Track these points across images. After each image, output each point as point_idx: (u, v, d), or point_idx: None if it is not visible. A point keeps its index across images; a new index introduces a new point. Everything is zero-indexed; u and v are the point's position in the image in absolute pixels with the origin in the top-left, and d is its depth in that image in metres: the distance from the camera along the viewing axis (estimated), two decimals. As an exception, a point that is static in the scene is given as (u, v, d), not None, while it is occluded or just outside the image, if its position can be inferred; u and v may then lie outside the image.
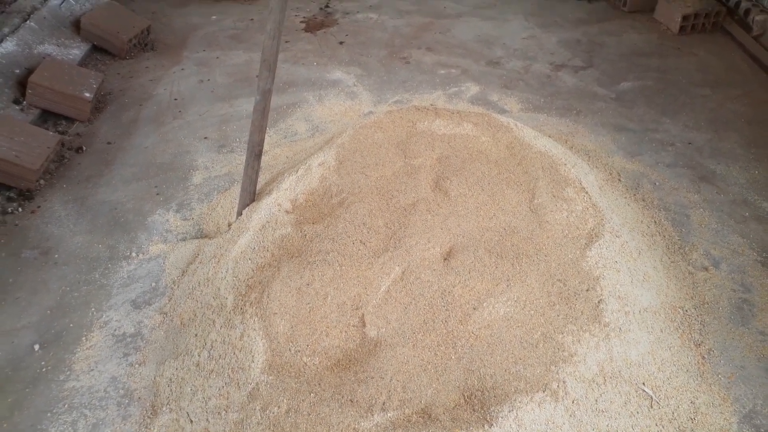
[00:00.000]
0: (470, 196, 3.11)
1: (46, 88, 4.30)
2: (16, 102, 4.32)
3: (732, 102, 4.65)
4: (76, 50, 5.07)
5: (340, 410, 2.21)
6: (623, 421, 2.39)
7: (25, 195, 3.74)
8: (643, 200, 3.70)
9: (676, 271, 3.20)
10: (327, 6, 6.37)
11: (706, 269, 3.25)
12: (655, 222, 3.53)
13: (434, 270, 2.71)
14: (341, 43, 5.64)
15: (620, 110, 4.61)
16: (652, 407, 2.49)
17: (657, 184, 3.85)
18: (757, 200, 3.69)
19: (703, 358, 2.81)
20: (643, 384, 2.54)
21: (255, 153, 3.19)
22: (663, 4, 5.80)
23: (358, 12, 6.25)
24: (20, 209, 3.64)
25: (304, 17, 6.13)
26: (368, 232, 2.91)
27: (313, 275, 2.68)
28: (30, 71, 4.46)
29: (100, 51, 5.29)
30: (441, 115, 3.70)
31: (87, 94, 4.44)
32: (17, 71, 4.51)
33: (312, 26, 5.96)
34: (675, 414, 2.50)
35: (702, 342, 2.87)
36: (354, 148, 3.46)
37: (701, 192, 3.78)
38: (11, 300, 3.09)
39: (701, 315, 3.00)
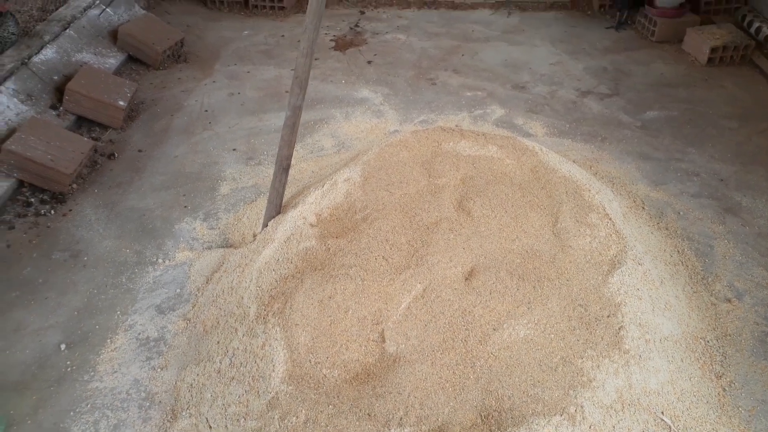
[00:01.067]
0: (493, 217, 3.14)
1: (83, 95, 4.43)
2: (53, 107, 4.46)
3: (759, 136, 4.63)
4: (113, 59, 5.22)
5: (357, 423, 2.23)
6: (641, 450, 2.38)
7: (58, 198, 3.84)
8: (667, 229, 3.69)
9: (698, 302, 3.18)
10: (357, 25, 6.48)
11: (729, 301, 3.23)
12: (678, 251, 3.51)
13: (455, 289, 2.73)
14: (369, 62, 5.73)
15: (646, 139, 4.62)
16: (670, 437, 2.47)
17: (681, 213, 3.84)
18: (783, 234, 3.67)
19: (724, 390, 2.78)
20: (662, 413, 2.53)
21: (283, 167, 3.25)
22: (691, 35, 5.82)
23: (387, 32, 6.35)
24: (53, 212, 3.75)
25: (334, 36, 6.24)
26: (391, 249, 2.95)
27: (335, 289, 2.72)
28: (68, 78, 4.60)
29: (135, 61, 5.43)
30: (466, 136, 3.74)
31: (121, 103, 4.57)
32: (56, 78, 4.66)
33: (341, 45, 6.07)
34: (694, 445, 2.48)
35: (723, 374, 2.85)
36: (379, 165, 3.51)
37: (726, 223, 3.77)
38: (41, 299, 3.17)
39: (723, 346, 2.98)
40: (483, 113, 4.94)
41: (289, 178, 3.92)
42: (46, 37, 4.90)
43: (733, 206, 3.91)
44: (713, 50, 5.54)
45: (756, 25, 5.67)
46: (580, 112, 4.97)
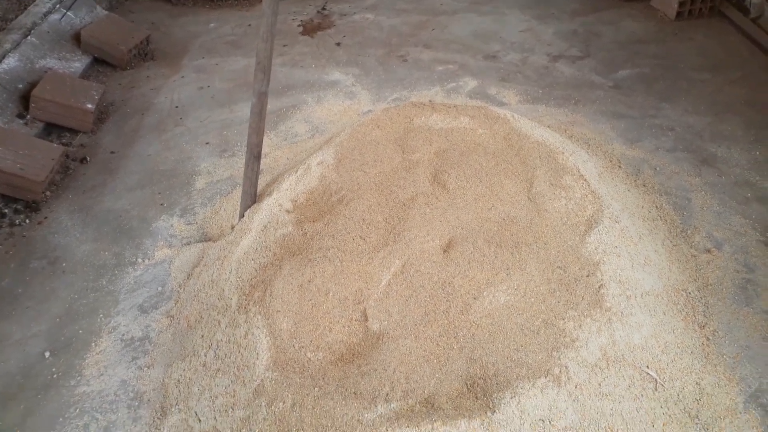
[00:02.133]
0: (468, 188, 3.13)
1: (49, 101, 4.37)
2: (20, 116, 4.39)
3: (731, 85, 4.64)
4: (78, 63, 5.14)
5: (344, 403, 2.23)
6: (627, 404, 2.40)
7: (32, 206, 3.80)
8: (644, 186, 3.70)
9: (678, 254, 3.20)
10: (324, 8, 6.41)
11: (709, 251, 3.25)
12: (657, 207, 3.53)
13: (434, 262, 2.73)
14: (338, 44, 5.67)
15: (619, 98, 4.61)
16: (656, 390, 2.50)
17: (657, 169, 3.84)
18: (759, 181, 3.68)
19: (708, 339, 2.80)
20: (647, 367, 2.55)
21: (254, 155, 3.22)
22: (659, -9, 5.79)
23: (354, 13, 6.28)
24: (27, 221, 3.70)
25: (301, 20, 6.17)
26: (368, 228, 2.94)
27: (314, 272, 2.71)
28: (33, 85, 4.52)
29: (101, 63, 5.35)
30: (438, 109, 3.72)
31: (89, 106, 4.50)
32: (20, 86, 4.58)
33: (309, 29, 6.00)
34: (680, 395, 2.51)
35: (706, 323, 2.87)
36: (352, 146, 3.49)
37: (702, 175, 3.78)
38: (21, 309, 3.14)
39: (705, 297, 3.00)
40: (456, 86, 4.91)
41: (265, 166, 3.91)
42: (7, 46, 4.81)
43: (709, 157, 3.92)
44: (681, 4, 5.53)
45: (722, -25, 5.65)
46: (552, 77, 4.95)
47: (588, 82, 4.85)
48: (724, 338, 2.81)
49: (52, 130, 4.48)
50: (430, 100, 4.49)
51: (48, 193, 3.91)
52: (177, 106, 4.80)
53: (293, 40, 5.78)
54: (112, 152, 4.32)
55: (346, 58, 5.42)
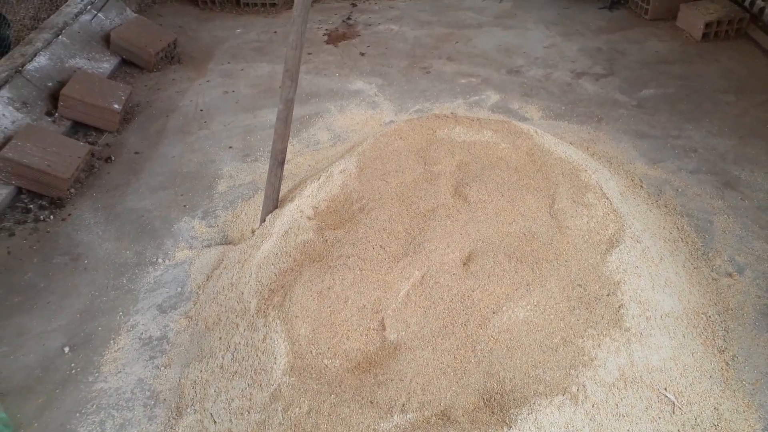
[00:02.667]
0: (490, 201, 3.13)
1: (77, 100, 4.44)
2: (49, 114, 4.47)
3: (756, 108, 4.60)
4: (106, 64, 5.23)
5: (360, 411, 2.24)
6: (644, 426, 2.38)
7: (57, 203, 3.86)
8: (666, 206, 3.68)
9: (699, 277, 3.18)
10: (349, 18, 6.46)
11: (730, 275, 3.22)
12: (678, 228, 3.50)
13: (454, 274, 2.73)
14: (362, 54, 5.71)
15: (642, 117, 4.59)
16: (674, 413, 2.47)
17: (680, 190, 3.82)
18: (783, 206, 3.65)
19: (727, 364, 2.77)
20: (665, 389, 2.53)
21: (278, 161, 3.25)
22: (685, 12, 5.77)
23: (379, 23, 6.33)
24: (52, 217, 3.76)
25: (326, 29, 6.23)
26: (388, 237, 2.95)
27: (333, 279, 2.72)
28: (62, 84, 4.61)
29: (128, 64, 5.44)
30: (461, 122, 3.73)
31: (116, 106, 4.57)
32: (50, 84, 4.67)
33: (334, 38, 6.05)
34: (698, 420, 2.48)
35: (726, 348, 2.84)
36: (375, 155, 3.51)
37: (725, 198, 3.75)
38: (42, 304, 3.19)
39: (725, 321, 2.97)
40: (478, 99, 4.92)
41: (286, 172, 3.93)
42: (39, 45, 4.91)
43: (732, 180, 3.89)
44: (707, 25, 5.50)
45: (750, -2, 5.62)
46: (575, 94, 4.95)
47: (611, 100, 4.84)
48: (743, 364, 2.78)
49: (79, 128, 4.55)
50: (452, 113, 4.50)
51: (73, 190, 3.97)
52: (202, 110, 4.86)
53: (318, 49, 5.83)
54: (136, 153, 4.38)
55: (370, 68, 5.45)
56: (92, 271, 3.40)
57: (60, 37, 5.13)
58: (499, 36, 5.98)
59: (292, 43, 3.04)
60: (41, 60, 4.79)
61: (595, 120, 4.58)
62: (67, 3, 5.54)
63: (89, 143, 4.43)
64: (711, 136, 4.32)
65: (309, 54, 5.71)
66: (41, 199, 3.86)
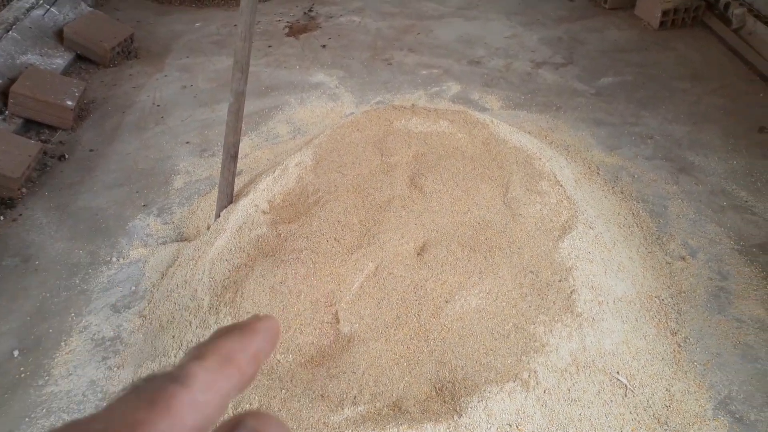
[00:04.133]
0: (445, 192, 3.12)
1: (28, 97, 4.33)
2: (-1, 112, 4.35)
3: (711, 94, 4.68)
4: (60, 59, 5.10)
5: (310, 405, 2.22)
6: (597, 410, 2.40)
7: (7, 203, 3.76)
8: (622, 192, 3.72)
9: (652, 261, 3.22)
10: (310, 10, 6.40)
11: (683, 258, 3.27)
12: (633, 213, 3.54)
13: (407, 265, 2.72)
14: (324, 46, 5.67)
15: (600, 105, 4.64)
16: (626, 395, 2.50)
17: (636, 176, 3.87)
18: (735, 190, 3.71)
19: (679, 346, 2.82)
20: (618, 372, 2.55)
21: (231, 155, 3.21)
22: (643, 0, 5.84)
23: (341, 15, 6.28)
24: (2, 217, 3.66)
25: (287, 22, 6.16)
26: (342, 230, 2.93)
27: (286, 273, 2.70)
28: (12, 81, 4.48)
29: (83, 60, 5.31)
30: (418, 113, 3.72)
31: (69, 103, 4.47)
32: (0, 81, 4.54)
33: (295, 30, 5.99)
34: (650, 401, 2.51)
35: (678, 330, 2.88)
36: (331, 147, 3.48)
37: (680, 183, 3.80)
38: (-9, 307, 3.11)
39: (678, 304, 3.01)
40: (439, 90, 4.92)
41: (245, 166, 3.89)
42: (-13, 41, 4.77)
43: (687, 166, 3.95)
44: (665, 13, 5.57)
45: (705, -15, 5.69)
46: (535, 83, 4.97)
47: (570, 89, 4.87)
48: (695, 345, 2.82)
49: (30, 126, 4.44)
50: (412, 104, 4.49)
51: (24, 190, 3.87)
52: (158, 105, 4.77)
53: (279, 41, 5.77)
54: (91, 150, 4.29)
55: (331, 60, 5.41)
56: (43, 272, 3.32)
57: (10, 32, 4.98)
58: (461, 27, 5.98)
59: (241, 34, 2.99)
60: (-10, 57, 4.66)
61: (554, 109, 4.61)
62: (18, -2, 5.39)
63: (42, 141, 4.32)
64: (667, 123, 4.38)
65: (269, 47, 5.64)
66: (-10, 199, 3.76)
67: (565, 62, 5.26)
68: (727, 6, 5.41)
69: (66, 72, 5.06)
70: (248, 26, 2.96)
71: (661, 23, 5.62)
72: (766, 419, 2.51)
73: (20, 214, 3.71)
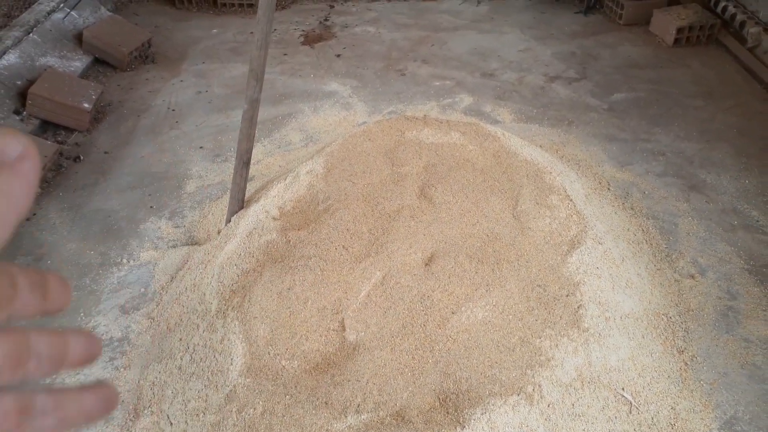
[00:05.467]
0: (454, 203, 3.14)
1: (46, 98, 4.40)
2: (17, 112, 4.42)
3: (724, 113, 4.66)
4: (78, 62, 5.18)
5: (313, 412, 2.23)
6: (601, 426, 2.39)
7: (22, 203, 3.80)
8: (632, 209, 3.71)
9: (661, 279, 3.20)
10: (326, 19, 6.46)
11: (693, 277, 3.25)
12: (643, 230, 3.53)
13: (414, 275, 2.73)
14: (338, 55, 5.72)
15: (612, 121, 4.63)
16: (631, 413, 2.49)
17: (646, 193, 3.86)
18: (746, 209, 3.69)
19: (686, 364, 2.80)
20: (623, 389, 2.54)
21: (243, 161, 3.24)
22: (658, 17, 5.84)
23: (356, 25, 6.33)
24: (16, 216, 3.71)
25: (303, 30, 6.22)
26: (351, 238, 2.94)
27: (294, 280, 2.71)
28: (31, 83, 4.56)
29: (101, 63, 5.39)
30: (429, 124, 3.74)
31: (86, 105, 4.53)
32: (19, 83, 4.62)
33: (311, 39, 6.05)
34: (654, 420, 2.50)
35: (685, 349, 2.87)
36: (342, 156, 3.51)
37: (690, 201, 3.79)
38: (2, 304, 3.14)
39: (686, 322, 3.00)
40: (452, 102, 4.94)
41: (257, 173, 3.93)
42: (9, 42, 4.85)
43: (698, 184, 3.93)
44: (679, 30, 5.57)
45: (722, 4, 5.69)
46: (547, 97, 4.98)
47: (583, 104, 4.88)
48: (702, 364, 2.80)
49: (47, 127, 4.51)
50: (424, 115, 4.52)
51: (39, 190, 3.92)
52: (174, 110, 4.83)
53: (294, 50, 5.82)
54: (106, 152, 4.34)
55: (345, 69, 5.46)
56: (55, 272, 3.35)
57: (31, 35, 5.07)
58: (475, 39, 6.01)
59: (257, 42, 3.03)
60: (10, 58, 4.74)
61: (566, 123, 4.62)
62: (40, 1, 5.49)
63: (58, 142, 4.38)
64: (679, 140, 4.37)
65: (285, 55, 5.70)
66: (5, 198, 3.81)
67: (578, 77, 5.27)
68: (742, 24, 5.40)
69: (84, 75, 5.14)
70: (264, 35, 3.00)
71: (676, 40, 5.62)
72: (773, 441, 2.49)
73: (34, 214, 3.76)
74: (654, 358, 2.73)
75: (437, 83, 5.22)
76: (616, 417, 2.44)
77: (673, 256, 3.37)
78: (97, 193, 3.94)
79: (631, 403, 2.51)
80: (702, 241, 3.48)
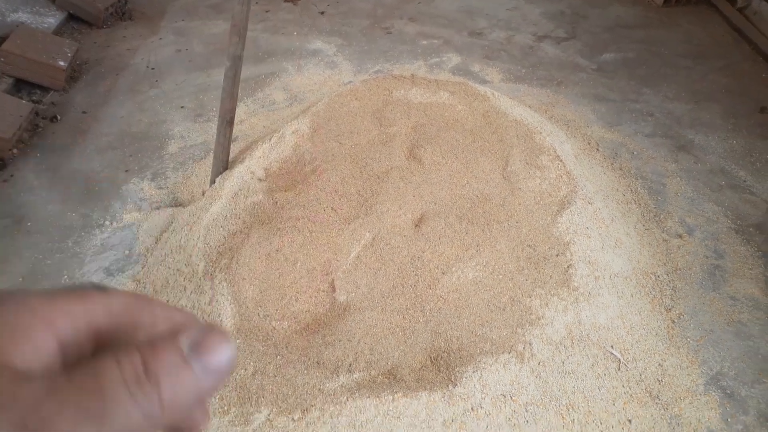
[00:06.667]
0: (444, 164, 3.09)
1: (19, 56, 4.22)
2: (-11, 71, 4.24)
3: (714, 73, 4.64)
4: (51, 19, 4.98)
5: (305, 371, 2.21)
6: (590, 382, 2.41)
7: (-2, 164, 3.69)
8: (621, 169, 3.70)
9: (650, 238, 3.21)
10: (309, -24, 6.26)
11: (680, 236, 3.27)
12: (632, 190, 3.53)
13: (405, 236, 2.70)
14: (322, 12, 5.56)
15: (601, 81, 4.59)
16: (619, 369, 2.51)
17: (635, 153, 3.84)
18: (734, 169, 3.70)
19: (673, 322, 2.83)
20: (612, 347, 2.56)
21: (226, 120, 3.15)
22: (648, -25, 5.75)
23: (340, -18, 6.15)
24: (-8, 178, 3.60)
25: (285, -13, 6.02)
26: (340, 200, 2.90)
27: (282, 241, 2.67)
28: (3, 40, 4.37)
29: (76, 20, 5.19)
30: (418, 83, 3.67)
31: (61, 63, 4.37)
32: (-11, 39, 4.43)
33: (294, -4, 5.86)
34: (642, 375, 2.53)
35: (673, 307, 2.89)
36: (329, 116, 3.43)
37: (679, 161, 3.78)
38: (-18, 268, 3.07)
39: (673, 281, 3.02)
40: (439, 61, 4.85)
41: (240, 133, 3.84)
42: (-23, -3, 4.64)
43: (686, 144, 3.92)
44: (669, -11, 5.49)
45: (712, -38, 5.61)
46: (536, 57, 4.91)
47: (572, 63, 4.81)
48: (689, 322, 2.83)
49: (22, 86, 4.34)
50: (411, 74, 4.43)
51: (15, 150, 3.80)
52: (153, 68, 4.68)
53: (276, 7, 5.65)
54: (83, 112, 4.21)
55: (330, 27, 5.31)
56: (36, 234, 3.27)
57: (0, -11, 4.85)
58: (463, -3, 5.88)
59: (239, -4, 2.91)
60: (-20, 13, 4.54)
61: (554, 83, 4.56)
62: (8, -47, 5.23)
63: (33, 102, 4.23)
64: (668, 101, 4.35)
65: (267, 12, 5.53)
66: (-20, 160, 3.69)
67: (567, 37, 5.19)
68: (732, -16, 5.34)
69: (58, 32, 4.94)
70: (247, -13, 2.88)
71: (666, 0, 5.54)
72: (757, 395, 2.53)
73: (11, 175, 3.65)
74: (642, 316, 2.75)
75: (424, 42, 5.11)
76: (605, 374, 2.47)
77: (661, 216, 3.38)
78: (76, 154, 3.82)
79: (619, 360, 2.53)
80: (690, 201, 3.49)
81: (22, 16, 4.81)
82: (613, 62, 4.82)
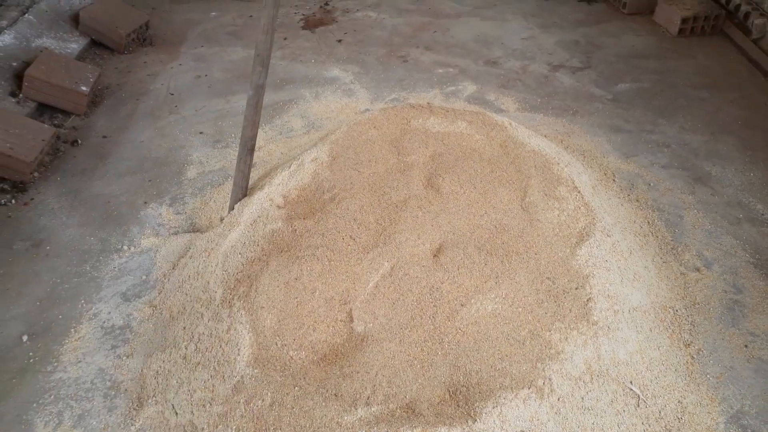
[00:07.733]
0: (462, 193, 3.10)
1: (43, 81, 4.31)
2: (13, 95, 4.33)
3: (729, 105, 4.64)
4: (74, 44, 5.08)
5: (324, 404, 2.20)
6: (609, 419, 2.38)
7: (19, 187, 3.74)
8: (637, 200, 3.69)
9: (667, 272, 3.19)
10: (326, 4, 6.37)
11: (698, 270, 3.24)
12: (649, 222, 3.52)
13: (423, 266, 2.71)
14: (340, 41, 5.64)
15: (617, 111, 4.60)
16: (639, 406, 2.48)
17: (652, 184, 3.84)
18: (751, 202, 3.68)
19: (693, 358, 2.79)
20: (631, 383, 2.54)
21: (247, 148, 3.18)
22: (662, 7, 5.79)
23: (357, 10, 6.25)
24: (13, 201, 3.65)
25: (303, 15, 6.13)
26: (358, 228, 2.91)
27: (301, 270, 2.68)
28: (27, 64, 4.47)
29: (98, 45, 5.29)
30: (435, 112, 3.69)
31: (83, 88, 4.45)
32: (14, 64, 4.52)
33: (311, 24, 5.96)
34: (662, 413, 2.50)
35: (692, 342, 2.86)
36: (347, 144, 3.46)
37: (696, 193, 3.77)
38: (1, 291, 3.09)
39: (692, 315, 2.99)
40: (455, 90, 4.89)
41: (258, 159, 3.87)
42: (4, 23, 4.75)
43: (703, 176, 3.91)
44: (684, 21, 5.53)
45: (726, -6, 5.65)
46: (551, 87, 4.94)
47: (587, 93, 4.84)
48: (708, 358, 2.80)
49: (44, 110, 4.42)
50: (428, 103, 4.46)
51: (36, 174, 3.86)
52: (173, 94, 4.75)
53: (294, 34, 5.74)
54: (104, 136, 4.27)
55: (347, 55, 5.38)
56: (54, 258, 3.30)
57: (26, 15, 4.97)
58: (478, 26, 5.95)
59: (263, 27, 2.97)
60: (6, 39, 4.64)
61: (570, 113, 4.58)
62: (35, -20, 5.36)
63: (55, 126, 4.31)
64: (684, 132, 4.35)
65: (285, 39, 5.61)
66: (2, 182, 3.74)
67: (582, 66, 5.23)
68: (747, 15, 5.36)
69: (80, 57, 5.04)
70: (271, 19, 2.93)
71: (680, 30, 5.58)
72: (780, 436, 2.49)
73: (32, 198, 3.70)
74: (661, 351, 2.73)
75: (440, 70, 5.16)
76: (624, 410, 2.44)
77: (679, 249, 3.36)
78: (96, 178, 3.87)
79: (639, 396, 2.51)
80: (707, 233, 3.47)
81: (47, 42, 4.91)
82: (628, 92, 4.84)
